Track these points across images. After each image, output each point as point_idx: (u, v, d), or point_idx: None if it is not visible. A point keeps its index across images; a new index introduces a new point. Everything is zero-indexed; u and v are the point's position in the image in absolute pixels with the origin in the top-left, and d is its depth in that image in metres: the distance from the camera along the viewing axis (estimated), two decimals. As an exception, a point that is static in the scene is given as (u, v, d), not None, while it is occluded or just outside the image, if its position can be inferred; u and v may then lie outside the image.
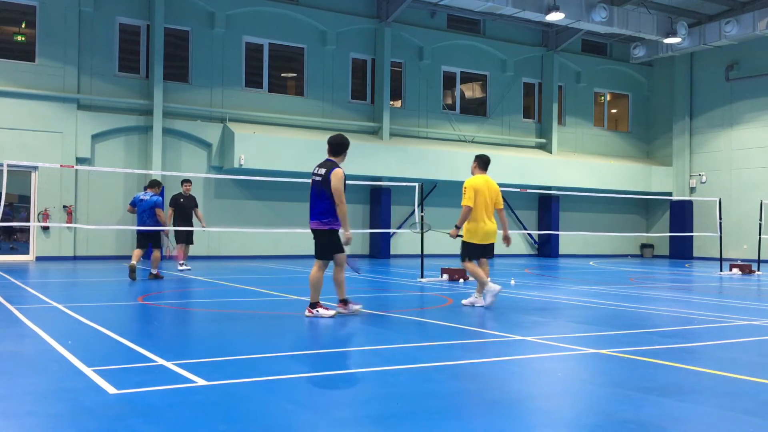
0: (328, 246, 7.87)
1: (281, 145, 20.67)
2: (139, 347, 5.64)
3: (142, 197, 13.07)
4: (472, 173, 9.26)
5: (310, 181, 7.96)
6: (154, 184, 13.26)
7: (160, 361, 5.08)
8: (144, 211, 12.98)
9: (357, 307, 8.02)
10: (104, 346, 5.85)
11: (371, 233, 22.69)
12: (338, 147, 7.90)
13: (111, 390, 4.17)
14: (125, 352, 5.51)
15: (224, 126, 20.71)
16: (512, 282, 12.94)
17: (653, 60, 27.53)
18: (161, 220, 13.00)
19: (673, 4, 24.18)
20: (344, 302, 8.00)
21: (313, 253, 8.10)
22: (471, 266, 8.99)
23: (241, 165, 19.93)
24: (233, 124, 20.86)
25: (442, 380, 4.73)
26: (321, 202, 7.74)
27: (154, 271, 12.93)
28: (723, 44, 24.70)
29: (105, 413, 3.70)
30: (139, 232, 13.09)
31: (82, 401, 3.95)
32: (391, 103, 23.57)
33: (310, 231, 7.96)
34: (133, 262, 12.60)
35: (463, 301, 9.17)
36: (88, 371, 4.67)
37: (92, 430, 3.44)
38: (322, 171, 7.77)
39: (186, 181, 15.26)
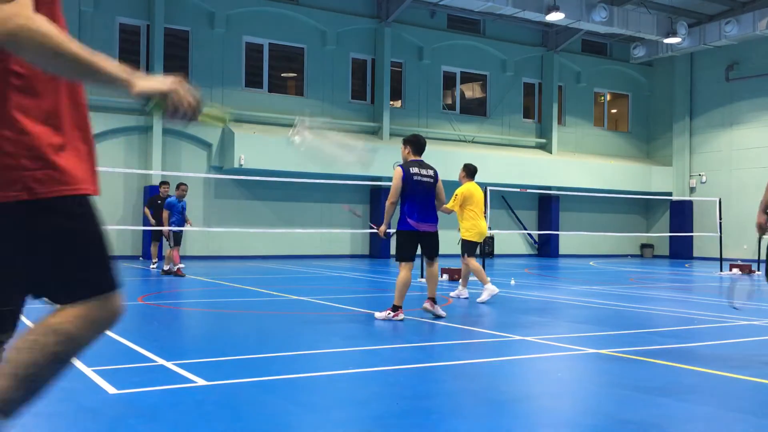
0: (437, 245, 8.02)
1: (281, 145, 20.66)
2: (139, 347, 5.64)
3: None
4: (461, 181, 10.15)
5: (415, 181, 7.76)
6: (177, 186, 14.22)
7: (160, 361, 5.08)
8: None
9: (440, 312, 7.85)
10: (104, 346, 5.82)
11: (371, 233, 22.69)
12: (424, 147, 8.10)
13: (111, 390, 4.17)
14: (125, 352, 5.51)
15: (224, 126, 20.68)
16: (512, 282, 12.94)
17: (653, 60, 27.53)
18: (162, 219, 13.93)
19: (673, 4, 24.18)
20: (433, 300, 7.87)
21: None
22: (475, 263, 9.77)
23: (241, 165, 19.93)
24: (233, 124, 20.85)
25: (442, 380, 4.73)
26: (432, 204, 7.90)
27: (166, 267, 13.73)
28: (723, 44, 24.71)
29: (105, 413, 3.70)
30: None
31: (82, 401, 3.95)
32: (391, 103, 23.57)
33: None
34: (165, 266, 13.92)
35: (478, 299, 9.60)
36: (88, 371, 4.67)
37: (92, 430, 3.44)
38: (431, 172, 7.90)
39: (164, 183, 15.44)
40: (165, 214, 13.76)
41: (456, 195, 9.94)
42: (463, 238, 9.95)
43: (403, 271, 7.69)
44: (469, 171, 10.19)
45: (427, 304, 7.77)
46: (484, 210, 10.18)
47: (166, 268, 13.72)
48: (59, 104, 2.04)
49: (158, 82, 2.02)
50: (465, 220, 9.91)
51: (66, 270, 2.08)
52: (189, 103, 2.08)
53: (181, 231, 14.10)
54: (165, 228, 13.78)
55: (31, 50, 1.81)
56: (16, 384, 2.03)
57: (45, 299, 2.16)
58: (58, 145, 2.01)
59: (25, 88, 1.97)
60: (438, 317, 7.70)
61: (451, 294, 10.32)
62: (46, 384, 2.10)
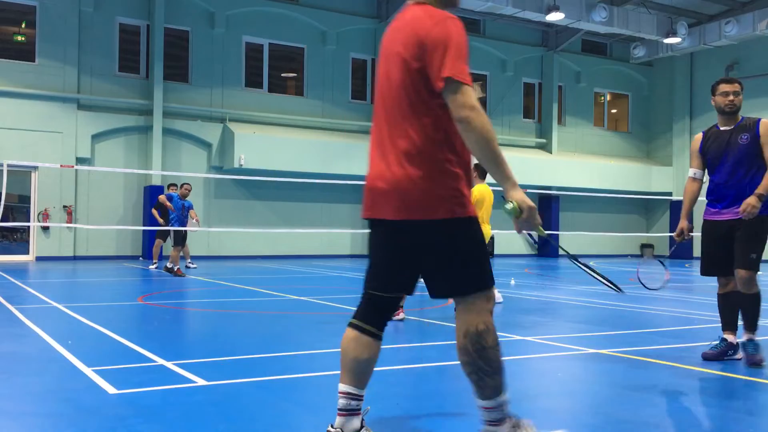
0: None
1: (281, 145, 20.67)
2: (139, 347, 5.64)
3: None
4: (473, 182, 9.66)
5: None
6: (180, 186, 14.56)
7: (160, 361, 5.08)
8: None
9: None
10: (104, 346, 5.85)
11: (371, 233, 22.65)
12: None
13: (111, 390, 4.17)
14: (125, 352, 5.51)
15: (224, 126, 20.71)
16: (512, 282, 12.94)
17: (653, 60, 27.52)
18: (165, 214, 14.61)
19: (673, 4, 24.18)
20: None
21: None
22: None
23: (241, 165, 19.93)
24: (233, 124, 20.86)
25: (442, 380, 4.73)
26: None
27: (169, 265, 13.75)
28: (723, 44, 24.71)
29: (105, 413, 3.70)
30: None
31: (82, 401, 3.95)
32: (391, 103, 23.54)
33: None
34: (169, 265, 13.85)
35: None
36: (88, 371, 4.67)
37: (92, 430, 3.44)
38: None
39: (173, 185, 15.60)
40: (162, 197, 14.19)
41: (472, 196, 9.78)
42: None
43: None
44: (482, 171, 9.68)
45: None
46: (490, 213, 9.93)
47: (169, 266, 13.79)
48: (466, 154, 2.92)
49: (523, 197, 2.82)
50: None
51: (464, 268, 2.86)
52: (533, 223, 2.82)
53: (183, 231, 14.18)
54: (168, 229, 14.07)
55: (473, 137, 2.70)
56: (496, 376, 2.87)
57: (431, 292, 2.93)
58: (467, 183, 2.93)
59: (457, 146, 2.87)
60: None
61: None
62: (500, 358, 2.89)
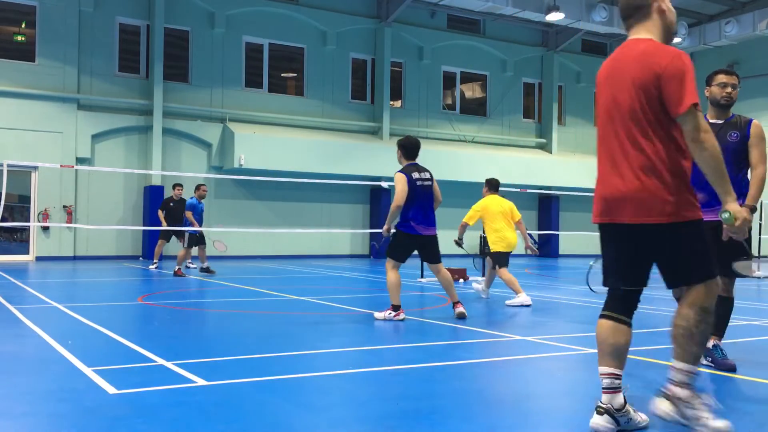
0: (438, 249, 7.97)
1: (281, 145, 20.68)
2: (139, 347, 5.64)
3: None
4: (483, 196, 10.15)
5: (418, 185, 7.53)
6: (197, 187, 14.73)
7: (160, 361, 5.08)
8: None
9: (460, 310, 7.75)
10: (104, 346, 5.85)
11: (371, 233, 22.69)
12: (417, 150, 7.89)
13: (111, 390, 4.17)
14: (125, 352, 5.51)
15: (224, 126, 20.71)
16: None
17: (653, 60, 27.50)
18: (188, 219, 14.38)
19: (673, 4, 24.03)
20: (458, 302, 7.82)
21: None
22: (507, 275, 9.54)
23: (241, 165, 19.93)
24: (233, 124, 20.86)
25: (442, 380, 4.73)
26: (432, 206, 7.79)
27: (204, 265, 14.06)
28: (723, 44, 24.72)
29: (105, 413, 3.70)
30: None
31: (82, 401, 3.95)
32: (391, 103, 23.57)
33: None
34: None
35: (508, 302, 9.37)
36: (88, 371, 4.67)
37: (92, 430, 3.44)
38: (428, 174, 7.76)
39: (178, 185, 15.67)
40: (189, 214, 14.04)
41: (472, 209, 10.03)
42: (492, 251, 9.83)
43: (391, 273, 7.60)
44: (491, 185, 10.15)
45: (460, 309, 7.66)
46: (514, 220, 9.90)
47: (203, 266, 14.14)
48: (687, 167, 3.37)
49: (740, 209, 3.30)
50: (489, 233, 9.86)
51: (693, 262, 3.37)
52: (743, 234, 3.36)
53: (197, 233, 14.25)
54: (193, 228, 14.14)
55: (706, 155, 3.20)
56: (699, 348, 3.40)
57: (671, 282, 3.52)
58: (690, 191, 3.35)
59: (682, 160, 3.35)
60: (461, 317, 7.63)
61: (508, 303, 9.86)
62: (708, 339, 3.47)
